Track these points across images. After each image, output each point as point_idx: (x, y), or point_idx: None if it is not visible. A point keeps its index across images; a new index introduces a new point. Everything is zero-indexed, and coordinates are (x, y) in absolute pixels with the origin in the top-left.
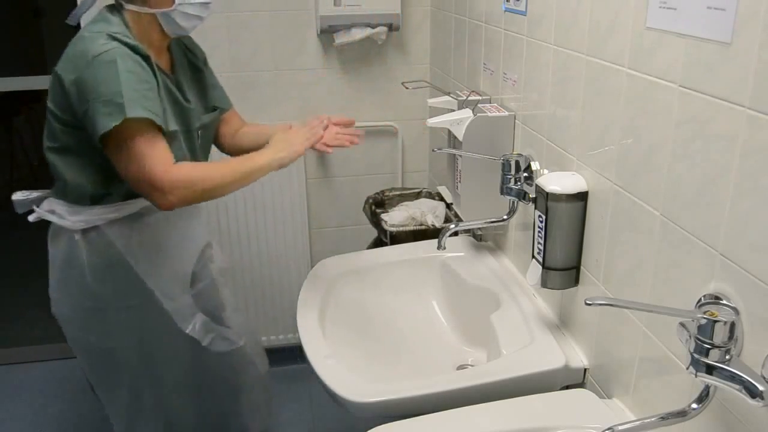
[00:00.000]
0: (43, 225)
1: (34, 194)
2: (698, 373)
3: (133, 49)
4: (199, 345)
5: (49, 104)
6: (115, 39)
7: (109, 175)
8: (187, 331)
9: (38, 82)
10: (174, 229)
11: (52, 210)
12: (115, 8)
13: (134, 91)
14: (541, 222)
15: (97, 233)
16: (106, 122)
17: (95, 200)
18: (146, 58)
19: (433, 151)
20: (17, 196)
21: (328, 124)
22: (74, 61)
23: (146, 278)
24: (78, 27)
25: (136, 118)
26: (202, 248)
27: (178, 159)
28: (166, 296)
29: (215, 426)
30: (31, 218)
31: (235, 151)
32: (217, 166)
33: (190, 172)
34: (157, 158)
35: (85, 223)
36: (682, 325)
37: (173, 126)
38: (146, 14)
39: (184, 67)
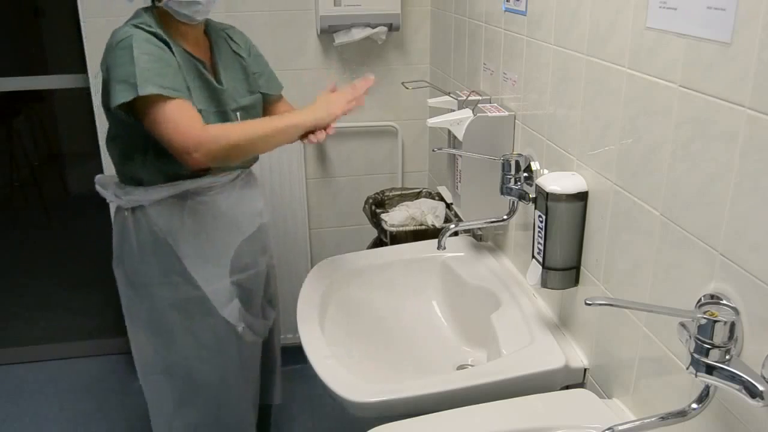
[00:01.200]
0: (42, 225)
1: (106, 178)
2: (698, 373)
3: (153, 35)
4: (235, 329)
5: (101, 100)
6: (136, 27)
7: (145, 156)
8: (224, 315)
9: (38, 82)
10: (217, 214)
11: (114, 192)
12: (148, 8)
13: (147, 71)
14: (541, 222)
15: (143, 213)
16: (118, 97)
17: (138, 181)
18: (165, 43)
19: (433, 151)
20: (98, 177)
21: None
22: (104, 55)
23: (185, 260)
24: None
25: (150, 95)
26: (249, 236)
27: None
28: (203, 279)
29: (243, 404)
30: (107, 199)
31: None
32: (248, 123)
33: (216, 128)
34: (184, 119)
35: (134, 202)
36: (682, 325)
37: (200, 105)
38: (161, 7)
39: (224, 53)
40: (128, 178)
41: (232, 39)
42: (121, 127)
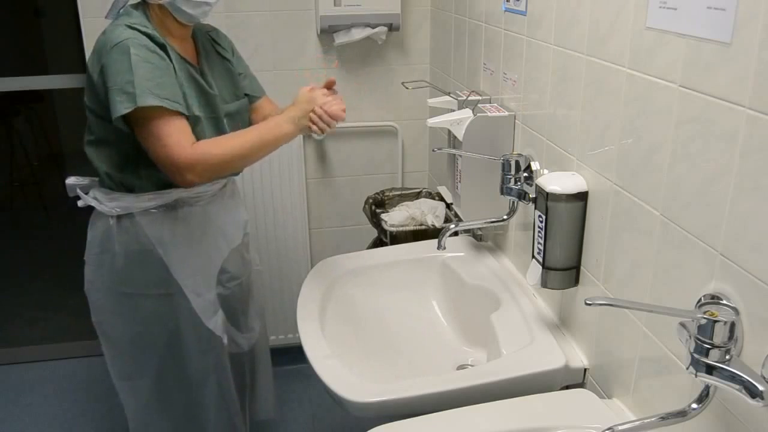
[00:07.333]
0: (42, 225)
1: (85, 181)
2: (698, 373)
3: (150, 37)
4: (221, 341)
5: (85, 99)
6: (132, 28)
7: (138, 164)
8: (209, 327)
9: (38, 82)
10: (207, 224)
11: (95, 197)
12: (139, 4)
13: (146, 80)
14: (541, 222)
15: (131, 221)
16: (118, 108)
17: (129, 188)
18: (162, 47)
19: (433, 151)
20: (70, 180)
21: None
22: (98, 53)
23: (174, 270)
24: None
25: (149, 106)
26: (236, 247)
27: None
28: (192, 290)
29: (228, 420)
30: (79, 203)
31: None
32: (236, 139)
33: (205, 149)
34: (175, 139)
35: (121, 209)
36: (682, 325)
37: (197, 111)
38: (157, 5)
39: (211, 57)
40: (117, 184)
41: (216, 42)
42: (113, 133)
